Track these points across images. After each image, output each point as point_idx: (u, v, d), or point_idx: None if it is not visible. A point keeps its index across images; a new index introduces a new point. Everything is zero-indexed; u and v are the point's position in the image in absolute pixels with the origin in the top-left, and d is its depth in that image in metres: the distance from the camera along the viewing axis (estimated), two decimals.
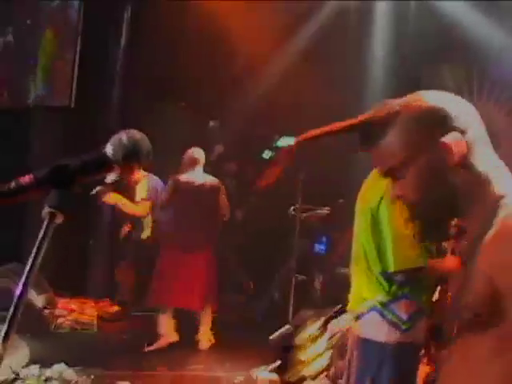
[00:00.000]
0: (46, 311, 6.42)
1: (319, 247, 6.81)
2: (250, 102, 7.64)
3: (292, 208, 6.08)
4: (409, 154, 1.40)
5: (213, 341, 6.13)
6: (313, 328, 3.89)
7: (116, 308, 7.01)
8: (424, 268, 2.67)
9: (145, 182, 6.47)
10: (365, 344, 2.80)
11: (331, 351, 3.60)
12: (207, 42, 7.42)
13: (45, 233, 1.01)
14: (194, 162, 6.04)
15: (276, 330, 5.84)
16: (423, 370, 2.54)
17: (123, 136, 1.10)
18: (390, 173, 1.46)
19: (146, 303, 6.16)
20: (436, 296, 2.59)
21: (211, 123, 8.18)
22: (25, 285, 0.98)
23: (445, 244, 2.33)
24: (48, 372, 4.78)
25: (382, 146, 1.45)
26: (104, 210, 7.35)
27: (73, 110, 7.42)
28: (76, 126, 7.43)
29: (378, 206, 2.72)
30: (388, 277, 2.74)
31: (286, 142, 7.87)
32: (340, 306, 4.77)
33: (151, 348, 5.96)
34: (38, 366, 4.82)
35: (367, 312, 2.79)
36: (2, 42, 7.97)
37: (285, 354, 3.78)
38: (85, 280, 7.66)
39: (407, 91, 1.54)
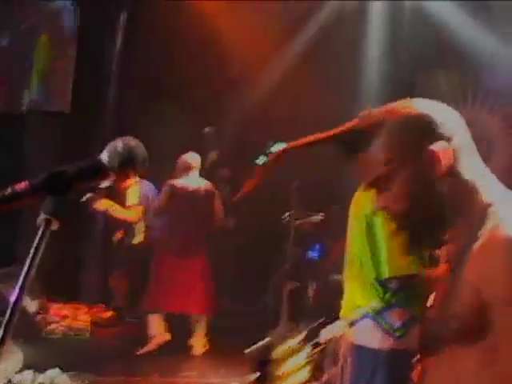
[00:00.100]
0: (39, 316, 6.40)
1: (312, 254, 6.81)
2: (245, 107, 7.65)
3: (286, 215, 6.08)
4: (395, 163, 1.38)
5: (207, 347, 6.13)
6: (293, 341, 3.93)
7: (109, 314, 7.00)
8: (417, 275, 2.67)
9: (136, 188, 6.47)
10: (358, 351, 2.80)
11: (312, 364, 3.61)
12: (203, 46, 7.43)
13: (40, 239, 1.01)
14: (188, 167, 6.05)
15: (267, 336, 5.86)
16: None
17: (119, 143, 1.11)
18: (375, 183, 1.43)
19: (141, 307, 6.14)
20: (429, 303, 2.60)
21: (206, 129, 8.17)
22: (20, 290, 0.99)
23: (438, 251, 2.34)
24: (41, 377, 4.77)
25: (366, 155, 1.42)
26: (97, 216, 7.33)
27: (69, 114, 7.42)
28: (72, 130, 7.43)
29: (372, 212, 2.72)
30: (382, 284, 2.74)
31: (278, 147, 7.87)
32: (323, 319, 4.80)
33: (143, 351, 5.96)
34: (31, 372, 4.81)
35: (360, 319, 2.79)
36: None
37: (262, 367, 3.78)
38: (78, 285, 7.64)
39: (402, 96, 1.53)
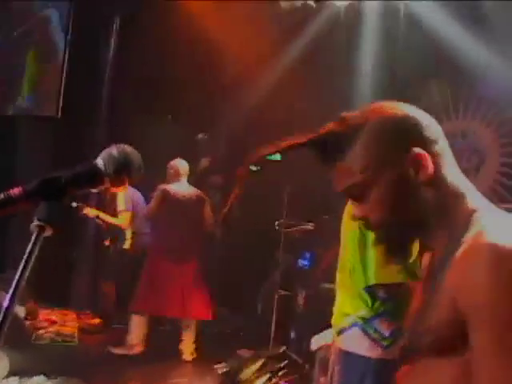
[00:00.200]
0: (27, 322, 6.36)
1: (303, 262, 6.80)
2: (238, 113, 7.66)
3: (277, 223, 6.08)
4: (371, 170, 1.30)
5: (194, 355, 6.11)
6: (253, 368, 4.01)
7: (97, 320, 6.97)
8: (404, 284, 2.67)
9: (122, 194, 6.49)
10: (347, 358, 2.80)
11: None
12: (197, 50, 7.43)
13: (33, 246, 1.00)
14: (179, 174, 6.07)
15: (257, 344, 5.86)
16: None
17: (114, 149, 1.10)
18: (352, 191, 1.35)
19: (129, 309, 6.11)
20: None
21: (199, 136, 8.18)
22: (13, 296, 0.98)
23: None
24: (27, 383, 4.73)
25: (343, 162, 1.33)
26: (87, 222, 7.32)
27: (61, 119, 7.40)
28: (63, 136, 7.41)
29: None
30: (370, 292, 2.74)
31: (272, 156, 7.89)
32: (284, 348, 4.85)
33: (116, 351, 6.01)
34: (17, 378, 4.77)
35: (349, 327, 2.79)
36: None
37: None
38: (67, 291, 7.61)
39: None
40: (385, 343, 2.68)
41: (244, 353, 5.60)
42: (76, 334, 6.43)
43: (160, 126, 8.04)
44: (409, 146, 1.29)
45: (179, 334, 6.17)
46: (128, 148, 1.12)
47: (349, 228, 2.86)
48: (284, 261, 6.22)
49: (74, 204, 6.10)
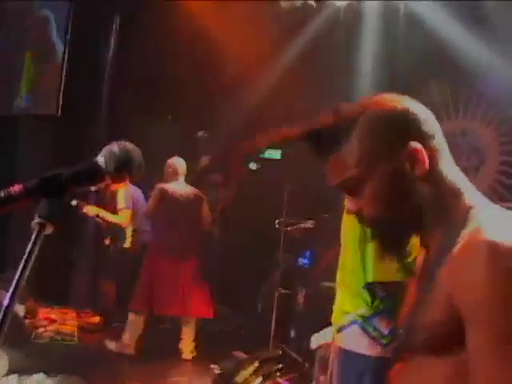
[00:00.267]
0: (27, 321, 6.36)
1: (303, 261, 6.80)
2: (238, 112, 7.65)
3: (277, 221, 6.08)
4: (367, 163, 1.27)
5: (194, 353, 6.11)
6: (249, 370, 4.03)
7: (97, 319, 6.97)
8: (404, 282, 2.66)
9: (122, 192, 6.48)
10: (346, 355, 2.80)
11: None
12: (197, 49, 7.43)
13: (34, 243, 1.00)
14: (177, 172, 6.07)
15: (257, 342, 5.86)
16: None
17: (115, 146, 1.10)
18: (346, 185, 1.33)
19: (129, 308, 6.10)
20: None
21: (199, 133, 8.18)
22: (13, 295, 0.97)
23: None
24: (27, 382, 4.73)
25: (338, 154, 1.30)
26: (87, 220, 7.31)
27: (61, 117, 7.40)
28: (63, 135, 7.40)
29: None
30: (370, 290, 2.75)
31: (271, 154, 7.90)
32: (280, 352, 4.87)
33: (111, 346, 6.03)
34: (16, 376, 4.77)
35: (348, 325, 2.79)
36: None
37: None
38: (67, 290, 7.60)
39: None
40: (384, 341, 2.68)
41: (239, 354, 5.60)
42: (76, 333, 6.42)
43: (160, 125, 8.04)
44: (405, 139, 1.26)
45: (179, 333, 6.17)
46: (129, 145, 1.11)
47: (349, 227, 2.85)
48: (284, 259, 6.22)
49: (74, 202, 6.09)
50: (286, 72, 7.25)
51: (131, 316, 6.01)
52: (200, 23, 6.96)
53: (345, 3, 7.04)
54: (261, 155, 7.94)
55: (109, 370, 5.54)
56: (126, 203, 6.53)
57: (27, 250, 0.99)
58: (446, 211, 1.26)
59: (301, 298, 6.15)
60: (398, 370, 1.36)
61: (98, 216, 6.51)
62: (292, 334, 6.15)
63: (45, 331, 6.32)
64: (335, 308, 2.95)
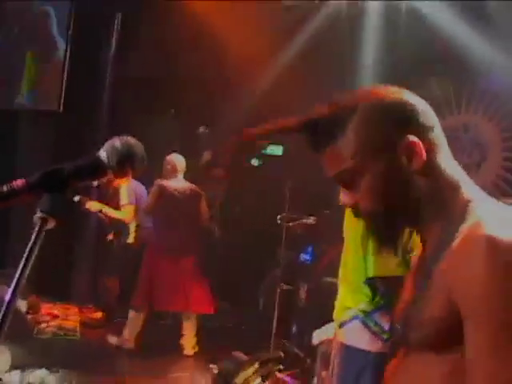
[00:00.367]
0: (29, 316, 6.37)
1: (304, 257, 6.81)
2: (240, 108, 7.65)
3: (279, 217, 6.08)
4: (367, 154, 1.24)
5: (196, 349, 6.12)
6: (248, 372, 4.03)
7: (99, 314, 6.97)
8: (404, 278, 2.66)
9: (125, 187, 6.47)
10: (347, 350, 2.81)
11: None
12: (198, 47, 7.42)
13: (36, 238, 1.00)
14: (176, 169, 6.07)
15: (259, 338, 5.87)
16: None
17: (117, 141, 1.10)
18: (342, 177, 1.29)
19: (130, 304, 6.11)
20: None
21: (200, 129, 8.18)
22: (15, 290, 0.97)
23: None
24: (29, 377, 4.73)
25: (335, 146, 1.27)
26: (90, 216, 7.31)
27: (62, 114, 7.40)
28: (64, 133, 7.40)
29: None
30: (371, 285, 2.75)
31: (272, 150, 7.90)
32: (280, 353, 4.87)
33: (112, 340, 6.07)
34: (19, 371, 4.77)
35: (350, 320, 2.80)
36: None
37: None
38: (69, 285, 7.61)
39: None
40: (385, 336, 2.69)
41: (239, 355, 5.59)
42: (78, 328, 6.43)
43: (161, 122, 8.04)
44: (402, 132, 1.24)
45: (180, 329, 6.17)
46: (131, 139, 1.11)
47: (351, 223, 2.86)
48: (286, 255, 6.22)
49: (77, 198, 6.08)
50: (286, 69, 7.24)
51: (131, 313, 6.03)
52: (201, 21, 6.96)
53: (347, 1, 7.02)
54: (263, 151, 7.94)
55: (111, 366, 5.55)
56: (129, 199, 6.52)
57: (29, 245, 0.99)
58: (443, 205, 1.24)
59: (302, 294, 6.16)
60: (394, 366, 1.34)
61: (100, 211, 6.51)
62: (294, 329, 6.16)
63: (47, 327, 6.33)
64: (337, 303, 2.96)
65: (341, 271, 2.97)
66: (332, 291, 3.07)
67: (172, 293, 6.02)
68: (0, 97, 8.00)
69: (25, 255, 0.99)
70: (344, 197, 1.24)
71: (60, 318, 6.65)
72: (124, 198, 6.50)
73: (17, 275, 0.98)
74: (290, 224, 6.09)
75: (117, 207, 6.56)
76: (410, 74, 6.26)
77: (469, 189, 1.26)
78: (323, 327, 3.27)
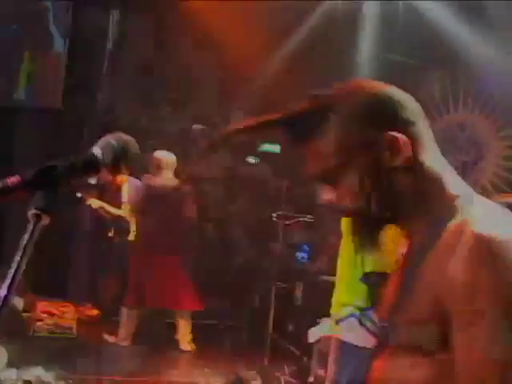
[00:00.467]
0: (26, 314, 6.36)
1: (301, 255, 6.81)
2: (236, 106, 7.65)
3: (275, 215, 6.08)
4: (348, 151, 1.20)
5: (192, 345, 6.12)
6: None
7: (96, 312, 6.96)
8: None
9: (127, 186, 6.46)
10: (343, 347, 2.82)
11: None
12: (196, 44, 7.42)
13: (31, 235, 0.99)
14: (160, 166, 6.03)
15: (256, 336, 5.87)
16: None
17: (111, 138, 1.09)
18: (324, 175, 1.25)
19: (123, 303, 6.11)
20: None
21: (194, 126, 8.16)
22: (9, 288, 0.96)
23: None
24: (25, 375, 4.73)
25: (316, 142, 1.23)
26: (88, 212, 7.29)
27: (61, 111, 7.39)
28: (63, 127, 7.40)
29: None
30: (367, 281, 2.76)
31: (270, 148, 7.88)
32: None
33: (110, 338, 6.09)
34: (15, 370, 4.77)
35: (346, 317, 2.80)
36: None
37: None
38: (66, 284, 7.60)
39: None
40: None
41: (243, 371, 5.57)
42: (74, 326, 6.42)
43: (160, 118, 8.03)
44: (383, 126, 1.20)
45: (176, 325, 6.17)
46: (125, 136, 1.11)
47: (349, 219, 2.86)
48: (282, 253, 6.23)
49: (78, 195, 6.05)
50: (283, 68, 7.23)
51: (124, 311, 6.03)
52: (199, 17, 6.95)
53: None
54: (259, 149, 7.93)
55: (108, 363, 5.55)
56: (127, 196, 6.50)
57: (24, 241, 0.99)
58: (427, 201, 1.21)
59: (299, 292, 6.16)
60: (380, 366, 1.29)
61: (101, 208, 6.48)
62: (290, 327, 6.16)
63: (44, 325, 6.32)
64: (334, 299, 2.96)
65: (338, 267, 2.98)
66: (328, 289, 3.07)
67: (162, 291, 6.01)
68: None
69: (19, 253, 0.98)
70: (325, 195, 1.19)
71: (56, 315, 6.63)
72: (126, 196, 6.49)
73: (11, 273, 0.97)
74: (287, 222, 6.10)
75: (119, 205, 6.54)
76: (406, 73, 6.28)
77: (456, 185, 1.23)
78: (319, 325, 3.28)
